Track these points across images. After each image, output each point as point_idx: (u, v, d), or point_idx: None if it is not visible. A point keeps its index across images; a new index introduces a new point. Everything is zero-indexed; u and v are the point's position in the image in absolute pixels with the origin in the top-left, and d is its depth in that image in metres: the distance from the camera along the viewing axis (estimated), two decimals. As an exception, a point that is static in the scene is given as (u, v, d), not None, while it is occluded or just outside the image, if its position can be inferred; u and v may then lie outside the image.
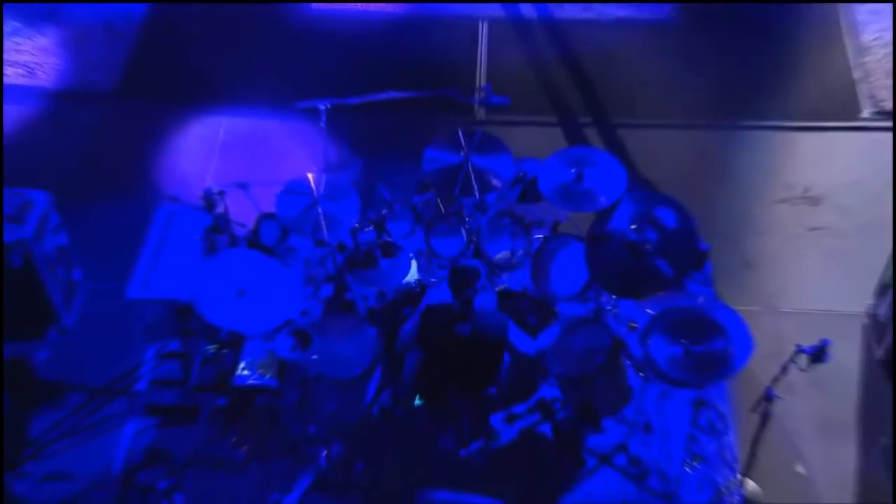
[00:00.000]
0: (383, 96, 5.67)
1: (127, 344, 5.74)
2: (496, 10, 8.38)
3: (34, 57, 7.81)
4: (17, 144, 7.08)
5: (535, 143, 6.77)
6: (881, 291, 5.81)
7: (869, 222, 6.59)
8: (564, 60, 7.97)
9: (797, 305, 6.15)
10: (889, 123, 7.28)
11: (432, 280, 5.40)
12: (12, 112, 7.35)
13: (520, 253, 5.44)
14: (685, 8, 8.37)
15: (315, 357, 4.90)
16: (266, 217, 5.63)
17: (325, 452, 5.06)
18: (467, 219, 5.50)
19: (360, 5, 8.47)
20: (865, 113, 7.45)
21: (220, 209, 5.61)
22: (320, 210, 5.30)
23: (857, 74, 7.73)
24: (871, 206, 6.73)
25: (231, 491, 4.95)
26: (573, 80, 7.81)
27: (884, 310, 5.74)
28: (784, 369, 4.56)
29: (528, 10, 8.42)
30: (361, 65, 7.63)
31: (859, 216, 6.68)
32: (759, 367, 4.95)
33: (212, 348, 5.41)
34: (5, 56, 7.78)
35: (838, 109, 7.49)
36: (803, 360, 4.39)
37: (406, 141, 6.23)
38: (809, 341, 4.37)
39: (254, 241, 5.59)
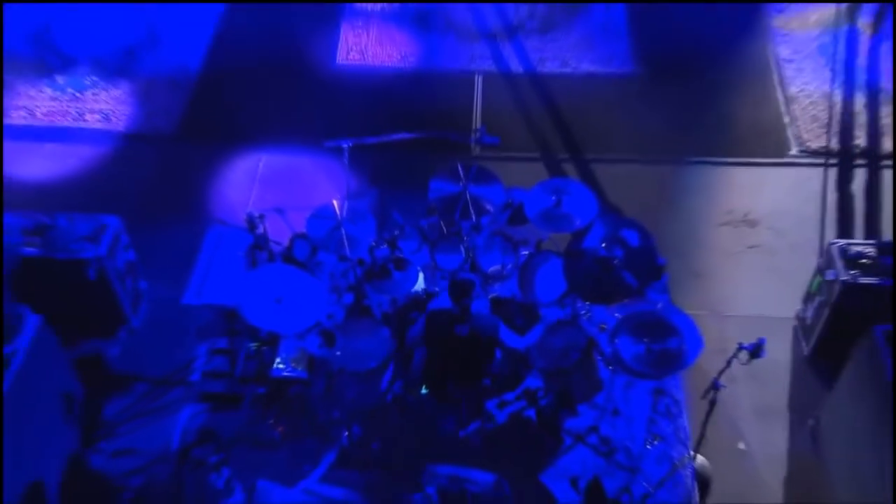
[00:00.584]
0: (396, 137, 5.66)
1: (183, 342, 5.76)
2: (489, 65, 8.43)
3: (109, 105, 7.81)
4: (94, 177, 7.15)
5: (521, 175, 6.75)
6: (807, 299, 5.86)
7: (797, 242, 6.64)
8: (545, 107, 7.99)
9: (738, 310, 6.15)
10: (813, 160, 7.36)
11: (436, 289, 5.37)
12: (91, 151, 7.37)
13: (509, 266, 5.42)
14: (645, 64, 8.43)
15: (338, 353, 4.85)
16: (298, 237, 5.63)
17: (346, 433, 5.03)
18: (465, 238, 5.46)
19: (377, 62, 8.51)
20: (794, 151, 7.50)
21: (260, 230, 5.58)
22: (343, 231, 5.29)
23: (786, 120, 7.78)
24: (799, 229, 6.78)
25: (268, 465, 4.92)
26: (553, 123, 7.82)
27: (809, 314, 5.80)
28: (728, 363, 4.57)
29: (514, 65, 8.46)
30: (378, 110, 7.62)
31: (789, 237, 6.70)
32: (707, 361, 4.90)
33: (253, 346, 5.40)
34: (88, 104, 7.82)
35: (771, 148, 7.54)
36: (743, 355, 4.43)
37: (414, 174, 6.22)
38: (748, 340, 4.40)
39: (288, 256, 5.58)
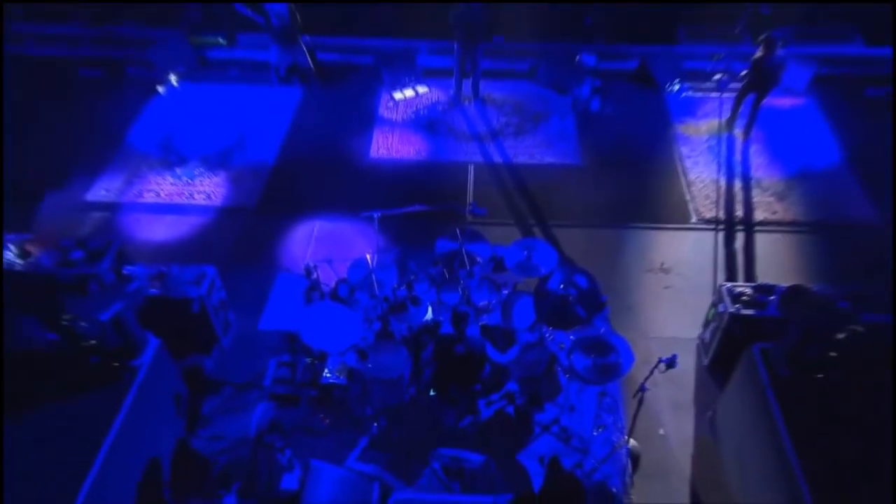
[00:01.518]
0: (411, 209, 5.70)
1: (258, 357, 5.76)
2: (478, 158, 8.47)
3: (210, 189, 7.88)
4: (198, 238, 7.20)
5: (502, 236, 6.74)
6: (705, 325, 5.91)
7: (698, 284, 6.64)
8: (519, 188, 8.00)
9: (658, 333, 6.14)
10: (706, 226, 7.42)
11: (440, 319, 5.37)
12: (197, 220, 7.42)
13: (494, 302, 5.47)
14: (589, 158, 8.49)
15: (370, 366, 4.90)
16: (341, 281, 5.67)
17: (375, 424, 5.07)
18: (462, 282, 5.51)
19: (398, 156, 8.56)
20: (693, 220, 7.54)
21: (314, 276, 5.68)
22: (374, 277, 5.39)
23: (687, 198, 7.83)
24: (698, 275, 6.79)
25: (318, 448, 4.92)
26: (524, 199, 7.82)
27: (707, 335, 5.84)
28: (651, 372, 4.63)
29: (496, 158, 8.50)
30: (399, 190, 7.64)
31: (692, 280, 6.71)
32: (637, 371, 5.00)
33: (308, 360, 5.42)
34: (196, 188, 7.90)
35: (678, 218, 7.57)
36: (662, 366, 4.49)
37: (425, 235, 6.18)
38: (665, 355, 4.49)
39: (334, 295, 5.63)
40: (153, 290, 5.25)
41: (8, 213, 6.90)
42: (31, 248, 5.05)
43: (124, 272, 5.23)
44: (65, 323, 4.27)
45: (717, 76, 9.41)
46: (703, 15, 10.22)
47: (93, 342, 4.30)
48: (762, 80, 8.08)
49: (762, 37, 7.90)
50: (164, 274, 5.39)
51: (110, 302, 4.43)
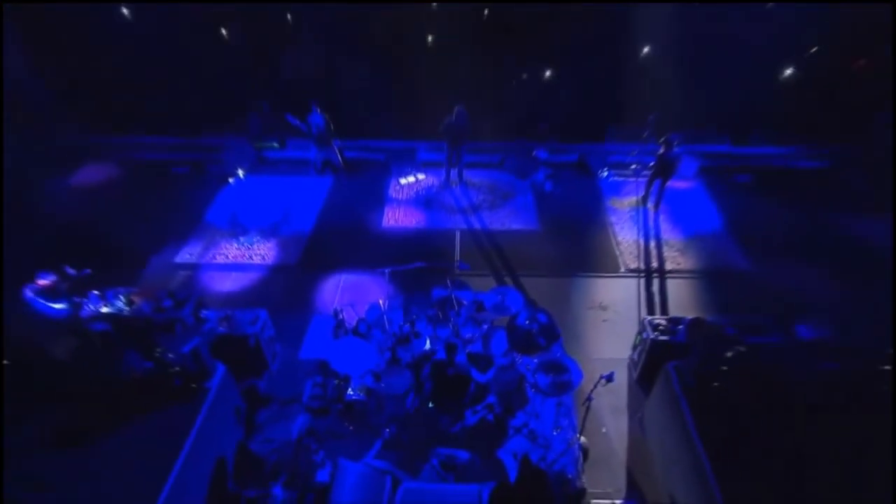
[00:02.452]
0: (413, 266, 5.72)
1: (298, 379, 5.67)
2: (463, 226, 8.47)
3: (264, 251, 7.87)
4: (255, 289, 7.15)
5: (482, 284, 6.85)
6: (633, 348, 5.88)
7: (627, 318, 6.62)
8: (493, 248, 7.99)
9: (599, 356, 6.10)
10: (632, 274, 7.41)
11: (436, 349, 5.33)
12: (254, 276, 7.39)
13: (476, 335, 5.46)
14: (545, 225, 8.53)
15: (382, 385, 4.90)
16: (361, 320, 5.67)
17: (387, 430, 5.00)
18: (452, 320, 5.53)
19: (404, 226, 8.53)
20: (622, 270, 7.55)
21: (340, 317, 5.67)
22: (385, 317, 5.47)
23: (617, 253, 7.87)
24: (627, 311, 6.78)
25: (345, 449, 4.83)
26: (497, 256, 7.81)
27: (636, 356, 5.80)
28: (595, 385, 4.64)
29: (476, 226, 8.51)
30: (404, 251, 7.58)
31: (623, 315, 6.69)
32: (584, 384, 4.94)
33: (336, 382, 5.31)
34: (253, 252, 7.86)
35: (611, 268, 7.59)
36: (603, 381, 4.51)
37: (424, 285, 6.31)
38: (606, 372, 4.53)
39: (356, 331, 5.61)
40: (221, 329, 5.28)
41: (122, 272, 6.97)
42: (135, 298, 5.06)
43: (201, 316, 5.24)
44: (157, 355, 4.28)
45: (634, 166, 9.57)
46: (623, 122, 10.42)
47: (177, 369, 4.31)
48: (665, 169, 8.23)
49: (663, 138, 8.08)
50: (229, 317, 5.42)
51: (190, 339, 4.51)
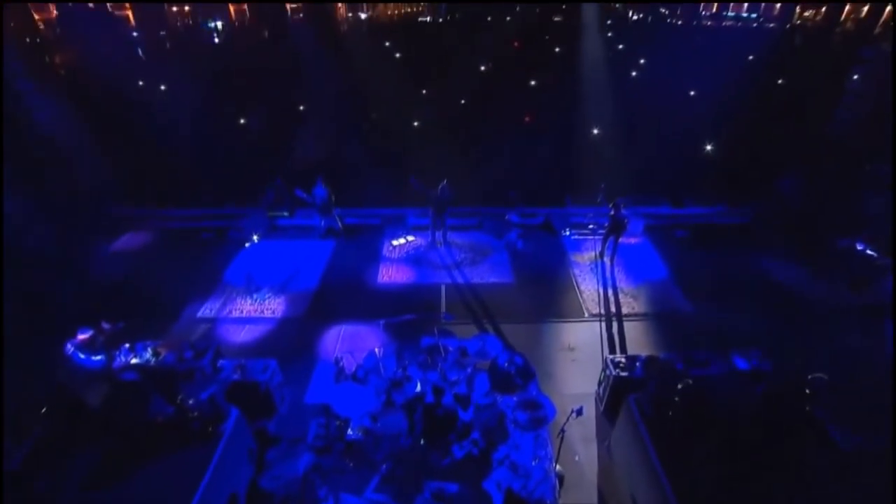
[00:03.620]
0: (404, 318, 5.82)
1: (304, 420, 5.49)
2: (448, 280, 8.55)
3: (275, 306, 7.84)
4: (266, 341, 7.08)
5: (465, 332, 6.89)
6: (599, 383, 5.91)
7: (593, 357, 6.67)
8: (474, 298, 8.05)
9: (570, 391, 6.11)
10: (594, 318, 7.50)
11: (426, 391, 5.27)
12: (266, 328, 7.32)
13: (461, 378, 5.44)
14: (518, 278, 8.64)
15: (379, 425, 4.86)
16: (359, 366, 5.60)
17: (384, 466, 4.80)
18: (440, 365, 5.52)
19: (396, 281, 8.57)
20: (586, 315, 7.66)
21: (341, 364, 5.56)
22: (381, 363, 5.46)
23: (581, 300, 7.98)
24: (593, 351, 6.83)
25: (346, 484, 4.64)
26: (478, 306, 7.86)
27: (601, 391, 5.83)
28: (567, 419, 4.66)
29: (459, 280, 8.58)
30: (396, 303, 7.68)
31: (589, 354, 6.75)
32: (558, 418, 4.94)
33: (337, 423, 5.11)
34: (266, 307, 7.83)
35: (576, 313, 7.69)
36: (574, 415, 4.55)
37: (415, 333, 6.28)
38: (576, 405, 4.59)
39: (354, 377, 5.53)
40: (235, 377, 5.23)
41: (153, 324, 6.96)
42: (161, 350, 5.04)
43: (218, 365, 5.21)
44: (178, 401, 4.26)
45: (591, 226, 9.96)
46: (580, 189, 10.84)
47: (195, 414, 4.27)
48: (616, 228, 8.62)
49: (612, 202, 8.48)
50: (242, 366, 5.38)
51: (209, 386, 4.50)
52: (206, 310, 7.82)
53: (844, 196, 9.88)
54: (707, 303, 7.84)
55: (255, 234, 9.91)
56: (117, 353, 4.93)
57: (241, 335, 7.26)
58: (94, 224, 9.72)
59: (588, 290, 8.33)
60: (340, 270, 8.96)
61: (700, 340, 6.72)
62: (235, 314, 7.73)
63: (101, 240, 9.46)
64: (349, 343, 6.91)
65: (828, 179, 10.17)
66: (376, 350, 5.66)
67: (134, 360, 4.91)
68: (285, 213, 10.59)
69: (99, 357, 4.59)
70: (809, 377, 4.71)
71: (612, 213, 8.53)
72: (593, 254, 9.31)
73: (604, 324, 7.47)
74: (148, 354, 4.94)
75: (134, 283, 8.03)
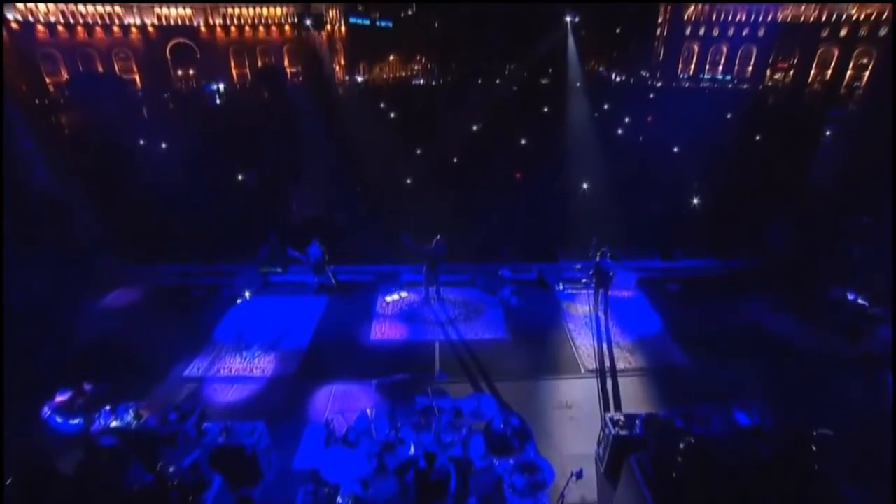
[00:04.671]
0: (397, 378, 5.85)
1: (292, 486, 5.32)
2: (442, 337, 8.54)
3: (265, 364, 7.78)
4: (254, 401, 6.97)
5: (460, 391, 6.84)
6: (599, 443, 5.81)
7: (591, 414, 6.62)
8: (469, 355, 8.00)
9: (569, 451, 6.00)
10: (590, 375, 7.48)
11: (419, 455, 5.09)
12: (255, 387, 7.23)
13: (456, 439, 5.39)
14: (512, 334, 8.65)
15: (370, 491, 4.74)
16: (350, 428, 5.58)
17: None
18: (434, 426, 5.48)
19: (389, 338, 8.53)
20: (582, 371, 7.65)
21: (331, 427, 5.58)
22: (372, 425, 5.43)
23: (577, 356, 7.98)
24: (591, 408, 6.79)
25: None
26: (473, 363, 7.80)
27: (601, 451, 5.73)
28: (567, 482, 4.63)
29: (453, 337, 8.56)
30: (389, 362, 7.62)
31: (588, 412, 6.69)
32: (558, 481, 4.88)
33: (326, 490, 4.99)
34: (255, 365, 7.77)
35: (573, 370, 7.68)
36: (574, 479, 4.52)
37: (408, 393, 6.26)
38: (576, 467, 4.59)
39: (345, 440, 5.48)
40: (220, 440, 5.12)
41: (138, 384, 6.83)
42: (143, 412, 4.96)
43: (203, 428, 5.11)
44: (158, 468, 4.16)
45: (584, 280, 10.13)
46: (572, 244, 11.30)
47: (175, 482, 4.13)
48: (602, 279, 8.83)
49: (598, 251, 8.77)
50: (228, 428, 5.28)
51: (191, 450, 4.42)
52: (194, 369, 7.73)
53: (831, 246, 10.35)
54: (704, 356, 7.91)
55: (248, 290, 10.01)
56: (97, 415, 4.84)
57: (229, 395, 7.14)
58: (84, 279, 9.80)
59: (584, 345, 8.34)
60: (333, 327, 8.93)
61: (699, 395, 6.70)
62: (224, 373, 7.65)
63: (89, 295, 9.51)
64: (340, 403, 6.81)
65: (813, 230, 10.65)
66: (368, 411, 5.62)
67: (114, 423, 4.81)
68: (278, 270, 10.77)
69: (77, 420, 4.52)
70: (815, 433, 4.68)
71: (598, 259, 8.76)
72: (588, 307, 9.43)
73: (601, 380, 7.44)
74: (129, 417, 4.86)
75: (121, 341, 7.97)
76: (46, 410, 4.54)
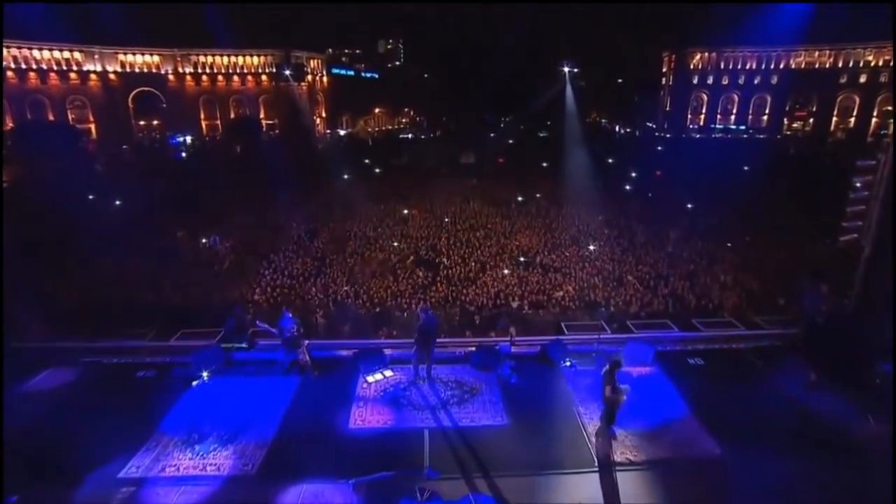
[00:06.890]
0: (379, 476, 5.88)
1: None
2: (432, 425, 8.46)
3: (221, 461, 7.60)
4: None
5: (454, 490, 6.76)
6: None
7: None
8: (463, 445, 7.87)
9: None
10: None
11: None
12: (209, 489, 7.05)
13: None
14: (511, 419, 8.59)
15: None
16: None
17: None
18: None
19: (372, 426, 8.48)
20: (596, 464, 7.57)
21: None
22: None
23: (588, 445, 7.94)
24: None
25: None
26: (468, 454, 7.65)
27: None
28: None
29: (445, 424, 8.50)
30: (370, 455, 7.50)
31: None
32: None
33: None
34: (208, 461, 7.61)
35: (585, 462, 7.61)
36: None
37: (392, 495, 6.16)
38: None
39: None
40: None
41: (60, 488, 6.65)
42: None
43: None
44: None
45: (594, 354, 10.22)
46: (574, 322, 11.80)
47: None
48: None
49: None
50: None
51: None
52: (132, 468, 7.52)
53: (873, 314, 10.22)
54: (738, 444, 7.83)
55: (206, 370, 9.96)
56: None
57: (175, 499, 6.93)
58: (7, 360, 9.60)
59: (593, 433, 8.26)
60: (305, 413, 8.87)
61: (734, 493, 6.64)
62: (170, 472, 7.46)
63: (12, 378, 9.29)
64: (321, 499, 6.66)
65: (853, 295, 10.77)
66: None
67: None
68: (244, 346, 10.81)
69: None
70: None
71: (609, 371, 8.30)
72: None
73: (619, 475, 7.35)
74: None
75: (42, 434, 7.77)
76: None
